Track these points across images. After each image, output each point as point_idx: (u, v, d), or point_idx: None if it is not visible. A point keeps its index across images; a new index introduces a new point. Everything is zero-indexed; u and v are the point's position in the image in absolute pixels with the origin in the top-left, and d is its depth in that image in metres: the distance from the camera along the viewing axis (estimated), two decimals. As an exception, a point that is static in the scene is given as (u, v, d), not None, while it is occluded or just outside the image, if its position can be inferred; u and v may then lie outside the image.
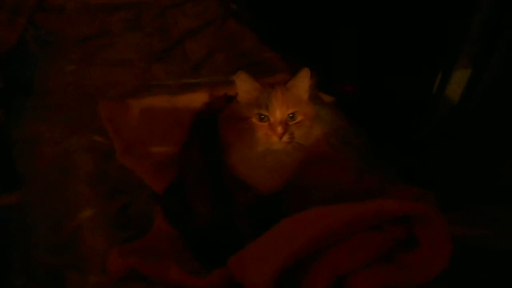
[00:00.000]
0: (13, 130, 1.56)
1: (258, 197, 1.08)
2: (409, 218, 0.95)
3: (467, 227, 1.10)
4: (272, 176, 1.05)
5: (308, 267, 0.93)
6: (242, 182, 1.06)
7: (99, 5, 2.56)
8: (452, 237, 0.91)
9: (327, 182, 1.36)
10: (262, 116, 0.97)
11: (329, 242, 0.94)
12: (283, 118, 0.97)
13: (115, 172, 1.43)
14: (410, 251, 0.96)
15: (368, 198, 1.00)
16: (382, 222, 0.96)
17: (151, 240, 1.22)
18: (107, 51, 2.17)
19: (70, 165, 1.44)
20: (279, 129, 0.96)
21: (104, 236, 1.22)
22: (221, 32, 2.48)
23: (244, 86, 1.00)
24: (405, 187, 1.31)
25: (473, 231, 1.09)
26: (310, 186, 1.31)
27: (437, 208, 1.06)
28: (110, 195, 1.35)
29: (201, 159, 1.13)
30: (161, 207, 1.28)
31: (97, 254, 1.17)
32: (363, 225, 0.95)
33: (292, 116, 0.99)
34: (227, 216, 1.12)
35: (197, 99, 1.67)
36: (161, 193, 1.32)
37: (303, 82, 1.01)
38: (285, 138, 0.97)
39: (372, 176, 1.42)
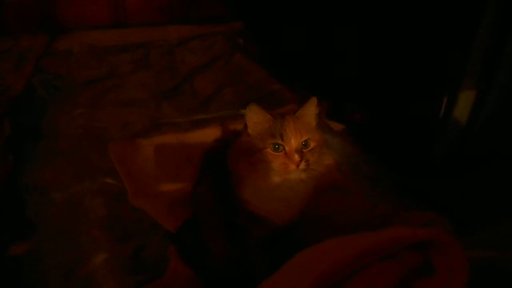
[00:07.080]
0: (22, 177, 1.55)
1: (273, 230, 1.07)
2: (424, 245, 0.93)
3: (483, 250, 1.06)
4: (287, 206, 1.05)
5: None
6: (256, 216, 1.05)
7: (106, 47, 2.61)
8: (468, 261, 0.88)
9: (341, 210, 1.37)
10: (277, 146, 0.98)
11: (345, 273, 0.90)
12: (298, 146, 0.98)
13: (127, 214, 1.41)
14: (426, 279, 0.92)
15: (382, 225, 1.02)
16: (397, 250, 0.94)
17: (167, 282, 1.18)
18: (115, 92, 2.20)
19: (81, 210, 1.42)
20: (296, 157, 0.96)
21: (117, 282, 1.18)
22: (229, 67, 2.51)
23: (255, 118, 1.01)
24: (418, 212, 1.30)
25: (489, 254, 1.06)
26: (324, 215, 1.31)
27: (452, 232, 1.06)
28: (123, 238, 1.32)
29: (212, 197, 1.12)
30: (175, 246, 1.26)
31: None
32: (379, 254, 0.93)
33: (305, 144, 1.00)
34: (242, 253, 1.10)
35: (208, 135, 1.65)
36: (175, 232, 1.30)
37: (311, 110, 1.03)
38: (302, 165, 0.97)
39: (384, 202, 1.42)
